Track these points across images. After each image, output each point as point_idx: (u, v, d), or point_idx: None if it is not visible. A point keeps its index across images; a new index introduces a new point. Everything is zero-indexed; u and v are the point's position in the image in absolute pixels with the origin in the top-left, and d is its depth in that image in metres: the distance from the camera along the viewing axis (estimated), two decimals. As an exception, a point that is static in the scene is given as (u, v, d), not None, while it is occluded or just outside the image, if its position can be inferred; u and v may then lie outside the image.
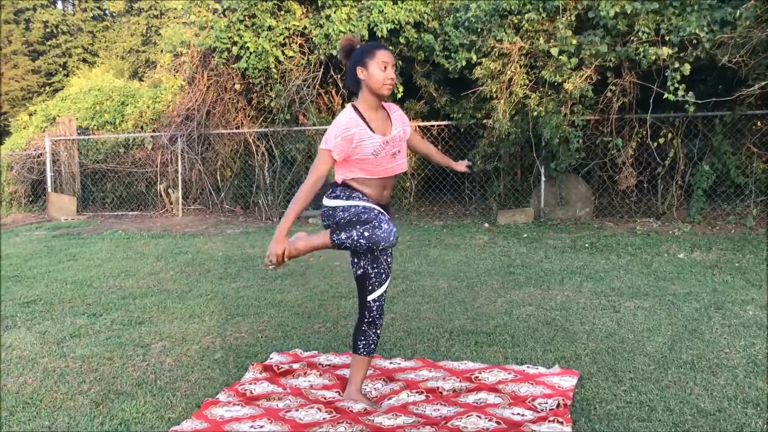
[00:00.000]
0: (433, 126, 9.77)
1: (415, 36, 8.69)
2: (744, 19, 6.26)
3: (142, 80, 22.84)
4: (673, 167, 8.50)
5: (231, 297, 5.68)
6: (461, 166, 3.86)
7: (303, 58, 9.58)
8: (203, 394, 3.64)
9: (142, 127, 12.61)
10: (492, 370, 3.85)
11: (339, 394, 3.65)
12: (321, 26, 9.12)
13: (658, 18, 6.87)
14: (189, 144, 10.98)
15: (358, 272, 3.45)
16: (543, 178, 9.02)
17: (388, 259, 3.46)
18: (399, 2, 8.67)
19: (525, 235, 8.31)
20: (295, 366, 3.94)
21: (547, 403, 3.40)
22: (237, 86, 10.19)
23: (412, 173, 10.16)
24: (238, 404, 3.46)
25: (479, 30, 7.97)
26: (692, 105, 6.96)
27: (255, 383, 3.74)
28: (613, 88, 7.61)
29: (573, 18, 7.37)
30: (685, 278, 5.98)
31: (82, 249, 8.48)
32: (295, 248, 3.28)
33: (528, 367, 3.93)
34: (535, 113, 7.70)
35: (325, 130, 10.22)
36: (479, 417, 3.23)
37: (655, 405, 3.37)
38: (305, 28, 9.32)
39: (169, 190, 11.68)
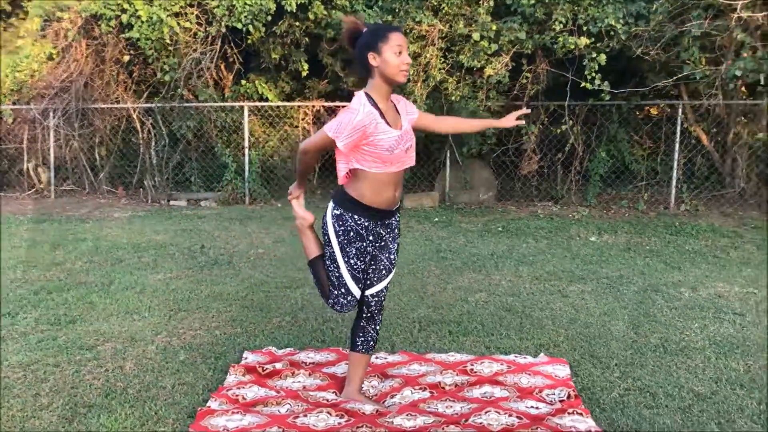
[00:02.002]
0: (338, 107, 9.54)
1: (324, 13, 8.41)
2: (658, 13, 6.59)
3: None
4: (572, 153, 8.87)
5: (162, 290, 5.22)
6: (511, 119, 3.48)
7: (201, 30, 8.99)
8: (188, 402, 3.30)
9: (-1, 99, 11.33)
10: (483, 362, 3.80)
11: (336, 394, 3.44)
12: (220, -4, 8.59)
13: (575, 8, 7.08)
14: (65, 119, 10.00)
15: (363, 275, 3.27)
16: (448, 163, 9.10)
17: (390, 256, 3.29)
18: (307, -24, 8.35)
19: (436, 219, 8.34)
20: (279, 366, 3.68)
21: (554, 393, 3.40)
22: (125, 57, 9.39)
23: (315, 155, 9.87)
24: (237, 412, 3.17)
25: (396, 10, 7.84)
26: (607, 94, 7.26)
27: (243, 387, 3.44)
28: (528, 75, 7.78)
29: (492, 3, 7.42)
30: (610, 261, 6.25)
31: (-49, 236, 7.49)
32: (295, 216, 3.45)
33: (516, 356, 3.91)
34: (453, 98, 7.71)
35: (218, 108, 9.78)
36: (498, 413, 3.16)
37: (655, 390, 3.46)
38: (202, -3, 8.75)
39: (39, 169, 10.61)
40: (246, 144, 9.59)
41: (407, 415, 3.17)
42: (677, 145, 8.63)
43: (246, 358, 3.84)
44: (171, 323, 4.46)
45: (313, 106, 9.59)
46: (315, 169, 8.81)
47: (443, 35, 7.67)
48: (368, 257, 3.19)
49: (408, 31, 7.71)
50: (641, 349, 4.05)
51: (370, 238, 3.16)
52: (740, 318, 4.61)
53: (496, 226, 7.94)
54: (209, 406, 3.22)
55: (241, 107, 9.61)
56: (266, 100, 9.78)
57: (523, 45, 7.38)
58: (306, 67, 9.18)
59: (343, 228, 3.11)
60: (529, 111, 3.73)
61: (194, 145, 10.06)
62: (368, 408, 3.25)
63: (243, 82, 9.81)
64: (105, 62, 9.96)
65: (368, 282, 3.26)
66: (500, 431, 3.00)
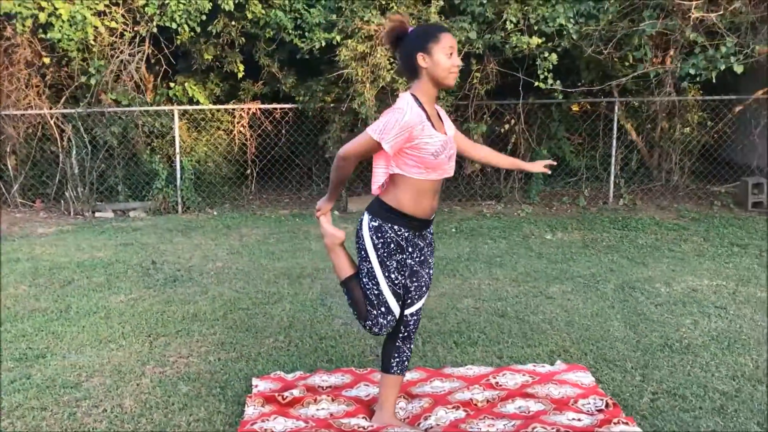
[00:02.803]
0: (276, 109, 9.21)
1: (263, 12, 8.07)
2: (608, 13, 6.72)
3: None
4: (514, 152, 8.94)
5: (129, 313, 4.81)
6: (538, 166, 3.48)
7: (128, 30, 8.43)
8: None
9: None
10: (504, 373, 3.70)
11: (366, 419, 3.24)
12: (150, -5, 8.08)
13: (525, 8, 7.12)
14: (-28, 127, 9.14)
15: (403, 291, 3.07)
16: (392, 164, 8.96)
17: (430, 271, 3.13)
18: (244, -27, 7.98)
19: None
20: (296, 393, 3.43)
21: (590, 403, 3.34)
22: (45, 60, 8.67)
23: (253, 159, 9.50)
24: (273, 449, 2.91)
25: (342, 9, 7.63)
26: (560, 93, 7.34)
27: (268, 420, 3.18)
28: (478, 74, 7.77)
29: (441, 3, 7.34)
30: (575, 259, 6.30)
31: None
32: (323, 234, 3.20)
33: (534, 366, 3.84)
34: (404, 98, 7.58)
35: (145, 113, 9.23)
36: (544, 428, 3.06)
37: (682, 393, 3.47)
38: (127, -5, 8.20)
39: (-58, 183, 9.66)
40: (177, 150, 9.10)
41: (453, 437, 3.01)
42: (614, 141, 8.87)
43: (257, 386, 3.56)
44: (155, 351, 4.11)
45: (249, 109, 9.21)
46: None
47: (393, 35, 7.52)
48: (407, 271, 3.00)
49: (356, 30, 7.52)
50: (648, 349, 4.07)
51: (410, 249, 2.99)
52: (723, 311, 4.72)
53: (449, 227, 7.88)
54: (241, 445, 2.95)
55: (171, 111, 9.11)
56: (197, 103, 9.32)
57: (473, 45, 7.34)
58: (242, 68, 8.80)
59: (382, 240, 2.92)
60: (555, 163, 3.68)
61: (119, 152, 9.45)
62: (411, 433, 3.07)
63: (172, 84, 9.30)
64: (13, 65, 9.19)
65: (408, 300, 3.08)
66: (555, 448, 2.90)
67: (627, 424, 3.10)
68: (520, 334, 4.34)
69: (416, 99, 2.85)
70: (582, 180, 9.14)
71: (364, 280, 2.99)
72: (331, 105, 8.75)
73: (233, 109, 9.31)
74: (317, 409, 3.32)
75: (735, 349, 4.03)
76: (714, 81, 6.51)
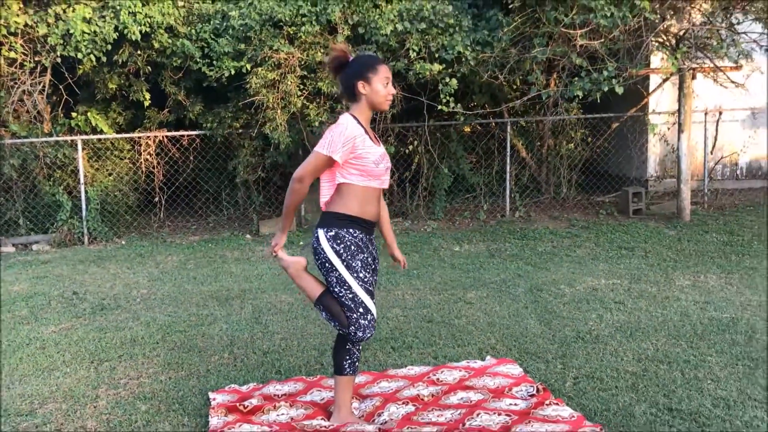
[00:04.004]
0: (183, 136, 9.26)
1: (169, 41, 8.16)
2: (501, 41, 7.33)
3: None
4: (418, 171, 9.43)
5: (65, 342, 4.83)
6: (399, 257, 3.71)
7: (28, 61, 8.27)
8: (186, 450, 3.18)
9: None
10: (443, 371, 4.06)
11: (325, 420, 3.50)
12: (49, 25, 7.98)
13: (426, 37, 7.62)
14: None
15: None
16: (302, 186, 9.23)
17: (376, 276, 3.46)
18: (149, 4, 8.04)
19: (301, 243, 8.44)
20: (254, 402, 3.64)
21: (522, 390, 3.75)
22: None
23: (161, 187, 9.48)
24: (246, 452, 3.12)
25: (251, 38, 7.85)
26: (461, 115, 7.88)
27: (233, 427, 3.38)
28: (384, 99, 8.20)
29: (348, 32, 7.73)
30: (485, 268, 6.79)
31: None
32: (286, 266, 3.44)
33: (468, 362, 4.22)
34: (315, 123, 7.89)
35: (46, 143, 9.01)
36: (488, 414, 3.44)
37: (599, 376, 3.94)
38: (27, 25, 8.05)
39: None
40: (82, 180, 8.96)
41: (408, 428, 3.33)
42: (508, 159, 9.54)
43: (215, 399, 3.74)
44: (103, 375, 4.18)
45: (156, 137, 9.22)
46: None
47: (301, 63, 7.83)
48: (370, 270, 3.29)
49: (265, 59, 7.77)
50: (564, 341, 4.55)
51: (368, 249, 3.29)
52: (622, 306, 5.31)
53: (362, 245, 8.21)
54: (214, 451, 3.14)
55: (74, 141, 8.97)
56: (101, 132, 9.22)
57: (378, 71, 7.78)
58: (148, 96, 8.81)
59: (342, 245, 3.20)
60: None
61: (19, 184, 9.18)
62: (369, 428, 3.36)
63: (74, 114, 9.16)
64: None
65: None
66: (500, 429, 3.27)
67: (557, 404, 3.53)
68: (449, 336, 4.73)
69: (355, 118, 3.21)
70: (481, 195, 9.74)
71: (336, 289, 3.26)
72: (239, 131, 8.93)
73: (139, 137, 9.29)
74: (278, 415, 3.55)
75: (637, 337, 4.58)
76: (599, 101, 7.24)
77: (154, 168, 9.34)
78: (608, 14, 6.52)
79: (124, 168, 9.44)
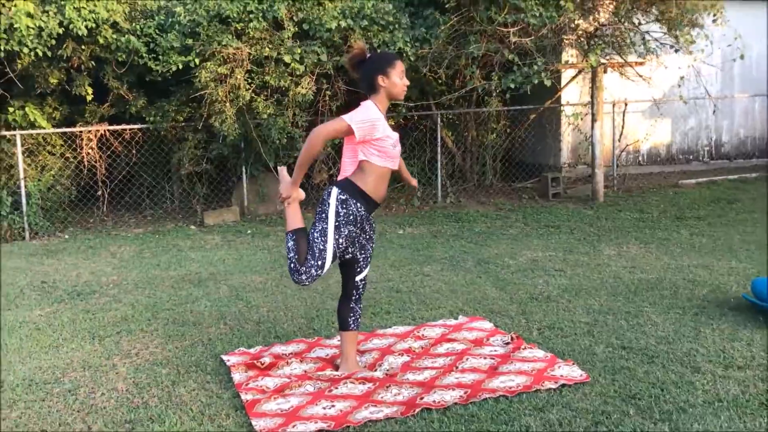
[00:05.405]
0: (125, 130, 9.37)
1: (114, 37, 8.29)
2: (439, 38, 7.94)
3: None
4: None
5: (58, 323, 5.05)
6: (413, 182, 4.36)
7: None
8: (228, 395, 3.59)
9: None
10: (425, 328, 4.62)
11: (334, 371, 3.97)
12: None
13: (368, 33, 8.14)
14: None
15: (347, 257, 3.86)
16: (245, 177, 9.56)
17: (373, 245, 3.96)
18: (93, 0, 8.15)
19: (249, 232, 8.77)
20: (267, 360, 4.07)
21: (498, 340, 4.36)
22: None
23: (104, 180, 9.55)
24: (278, 397, 3.56)
25: (199, 34, 8.12)
26: (403, 107, 8.44)
27: (258, 380, 3.80)
28: (328, 93, 8.65)
29: (294, 29, 8.14)
30: (434, 246, 7.40)
31: None
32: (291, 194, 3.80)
33: (444, 320, 4.79)
34: (264, 115, 8.25)
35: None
36: (475, 358, 4.02)
37: (559, 326, 4.60)
38: (-36, 20, 7.98)
39: None
40: (21, 176, 8.94)
41: (411, 372, 3.86)
42: (439, 149, 10.21)
43: (229, 360, 4.14)
44: (110, 348, 4.48)
45: (98, 131, 9.29)
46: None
47: (250, 57, 8.17)
48: (354, 242, 3.77)
49: (214, 54, 8.07)
50: (521, 301, 5.20)
51: (360, 226, 3.78)
52: (563, 273, 6.03)
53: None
54: (249, 398, 3.55)
55: (13, 137, 8.94)
56: (39, 127, 9.20)
57: (323, 66, 8.23)
58: (90, 91, 8.89)
59: (345, 211, 3.66)
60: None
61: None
62: (378, 373, 3.87)
63: (10, 109, 9.10)
64: None
65: (358, 268, 3.88)
66: (489, 368, 3.86)
67: (531, 348, 4.15)
68: (420, 302, 5.29)
69: (375, 106, 3.69)
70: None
71: (315, 234, 3.67)
72: (182, 124, 9.16)
73: (80, 132, 9.34)
74: (292, 369, 4.00)
75: (582, 295, 5.29)
76: (529, 93, 8.00)
77: (96, 162, 9.41)
78: (537, 14, 7.26)
79: (65, 162, 9.45)
